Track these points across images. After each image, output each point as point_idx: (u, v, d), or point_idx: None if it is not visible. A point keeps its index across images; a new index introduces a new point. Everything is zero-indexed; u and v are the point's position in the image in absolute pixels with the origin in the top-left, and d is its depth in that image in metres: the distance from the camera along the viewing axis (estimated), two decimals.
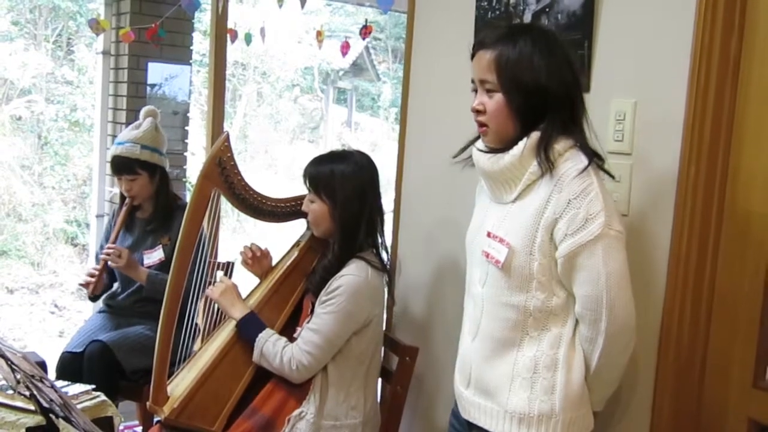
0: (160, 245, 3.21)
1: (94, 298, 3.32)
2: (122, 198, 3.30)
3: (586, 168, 1.69)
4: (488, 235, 1.81)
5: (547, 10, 2.20)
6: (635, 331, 1.74)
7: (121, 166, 3.18)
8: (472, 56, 1.82)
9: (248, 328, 2.41)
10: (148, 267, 3.19)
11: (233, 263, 3.05)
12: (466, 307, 1.96)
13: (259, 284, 2.58)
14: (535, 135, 1.72)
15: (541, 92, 1.71)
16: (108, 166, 3.36)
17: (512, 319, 1.77)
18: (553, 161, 1.71)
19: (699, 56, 1.86)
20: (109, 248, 3.11)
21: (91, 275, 3.15)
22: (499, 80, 1.74)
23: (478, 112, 1.79)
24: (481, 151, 1.83)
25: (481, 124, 1.80)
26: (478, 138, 1.87)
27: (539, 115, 1.73)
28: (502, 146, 1.78)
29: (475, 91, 1.82)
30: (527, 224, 1.73)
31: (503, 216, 1.80)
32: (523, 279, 1.74)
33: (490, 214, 1.86)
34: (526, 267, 1.73)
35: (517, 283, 1.75)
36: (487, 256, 1.80)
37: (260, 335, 2.38)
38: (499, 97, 1.75)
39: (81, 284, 3.21)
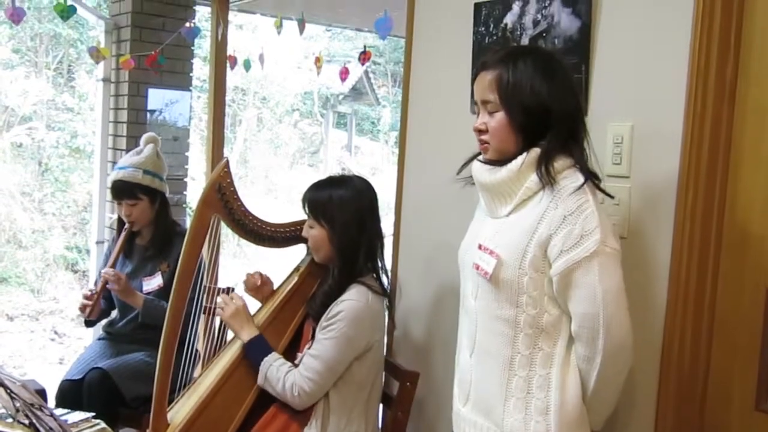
0: (159, 272, 3.21)
1: (89, 323, 3.30)
2: (120, 224, 3.30)
3: (581, 186, 1.70)
4: (479, 247, 1.82)
5: (544, 34, 2.22)
6: (632, 351, 1.73)
7: (123, 190, 3.19)
8: (474, 78, 1.85)
9: (255, 351, 2.40)
10: (147, 293, 3.18)
11: (233, 289, 3.04)
12: (461, 321, 1.96)
13: (260, 309, 2.58)
14: (535, 151, 1.74)
15: (542, 111, 1.73)
16: (108, 192, 3.37)
17: (504, 333, 1.77)
18: (553, 176, 1.72)
19: (695, 79, 1.87)
20: (108, 272, 3.11)
21: (87, 297, 3.14)
22: (500, 99, 1.76)
23: (480, 131, 1.82)
24: (480, 162, 1.86)
25: (483, 142, 1.82)
26: (480, 153, 1.89)
27: (540, 132, 1.75)
28: (502, 160, 1.79)
29: (477, 113, 1.84)
30: (519, 238, 1.74)
31: (496, 229, 1.81)
32: (512, 292, 1.75)
33: (484, 227, 1.87)
34: (515, 280, 1.74)
35: (507, 296, 1.75)
36: (477, 268, 1.81)
37: (265, 359, 2.37)
38: (500, 115, 1.77)
39: (80, 308, 3.20)
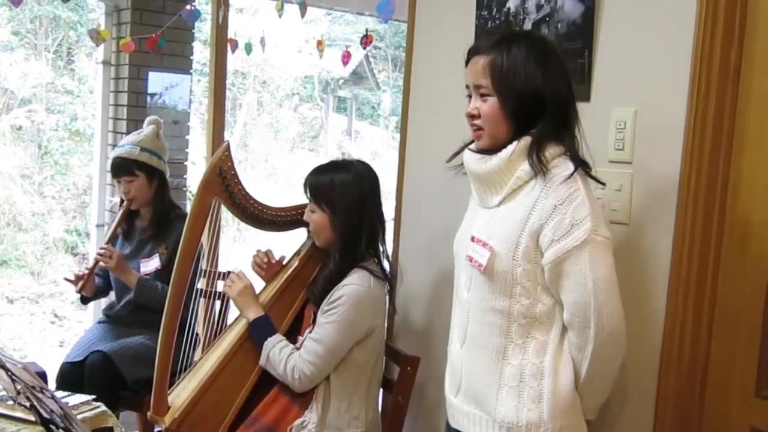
0: (158, 254, 3.21)
1: (84, 300, 3.32)
2: (122, 205, 3.31)
3: (572, 174, 1.69)
4: (472, 239, 1.82)
5: (548, 19, 2.21)
6: (625, 339, 1.73)
7: (120, 167, 3.21)
8: (467, 62, 1.83)
9: (259, 331, 2.41)
10: (145, 275, 3.18)
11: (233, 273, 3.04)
12: (453, 312, 1.96)
13: (260, 293, 2.58)
14: (525, 140, 1.74)
15: (535, 97, 1.72)
16: (108, 175, 3.37)
17: (497, 324, 1.77)
18: (545, 164, 1.71)
19: (699, 65, 1.86)
20: (101, 248, 3.12)
21: (80, 272, 3.17)
22: (493, 84, 1.75)
23: (472, 116, 1.81)
24: (472, 151, 1.85)
25: (477, 128, 1.81)
26: (472, 141, 1.88)
27: (532, 119, 1.74)
28: (494, 149, 1.78)
29: (470, 97, 1.83)
30: (511, 229, 1.73)
31: (488, 220, 1.81)
32: (506, 283, 1.74)
33: (477, 218, 1.86)
34: (509, 272, 1.73)
35: (500, 287, 1.75)
36: (471, 260, 1.80)
37: (269, 340, 2.38)
38: (493, 100, 1.76)
39: (67, 279, 3.22)
